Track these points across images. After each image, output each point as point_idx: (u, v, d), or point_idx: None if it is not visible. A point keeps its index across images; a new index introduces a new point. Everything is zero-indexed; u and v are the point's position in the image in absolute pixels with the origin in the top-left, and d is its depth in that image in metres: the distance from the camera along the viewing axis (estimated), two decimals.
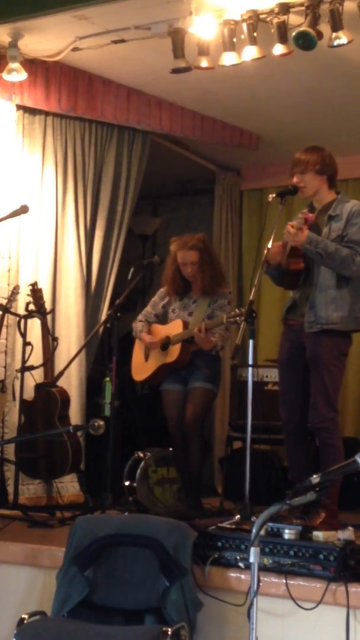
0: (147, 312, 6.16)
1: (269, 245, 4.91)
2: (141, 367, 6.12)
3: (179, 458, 5.92)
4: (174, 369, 5.92)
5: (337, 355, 4.98)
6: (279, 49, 5.44)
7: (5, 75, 6.05)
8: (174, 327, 5.92)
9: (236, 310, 5.53)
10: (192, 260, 5.87)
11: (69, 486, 6.48)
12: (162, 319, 6.12)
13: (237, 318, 5.39)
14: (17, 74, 6.03)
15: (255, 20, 5.43)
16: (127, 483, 5.96)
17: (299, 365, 5.02)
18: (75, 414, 6.48)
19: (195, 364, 5.85)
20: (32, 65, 6.26)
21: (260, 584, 3.53)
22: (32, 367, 5.99)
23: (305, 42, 5.27)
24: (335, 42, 5.30)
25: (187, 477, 5.87)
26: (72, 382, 6.58)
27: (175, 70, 5.79)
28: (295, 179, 5.05)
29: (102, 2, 5.38)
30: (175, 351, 5.86)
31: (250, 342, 4.87)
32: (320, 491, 3.40)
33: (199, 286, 5.91)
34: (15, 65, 5.99)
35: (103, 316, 6.82)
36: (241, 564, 4.11)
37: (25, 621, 3.96)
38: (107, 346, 6.81)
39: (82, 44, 5.98)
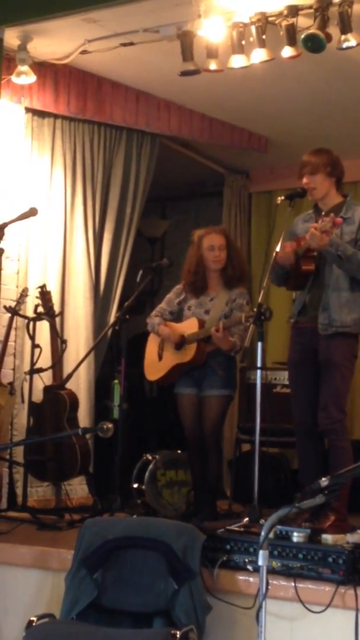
0: (162, 309, 5.98)
1: (277, 249, 4.90)
2: (155, 367, 5.97)
3: (194, 462, 5.85)
4: (188, 370, 5.77)
5: (349, 358, 5.00)
6: (287, 52, 5.44)
7: (14, 78, 6.07)
8: (190, 326, 5.76)
9: (254, 310, 5.41)
10: (220, 244, 5.72)
11: (77, 489, 6.48)
12: (177, 316, 5.95)
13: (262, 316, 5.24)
14: (26, 77, 6.05)
15: (264, 22, 5.43)
16: (135, 485, 5.97)
17: (311, 368, 5.02)
18: (83, 417, 6.49)
19: (209, 366, 5.70)
20: (41, 68, 6.28)
21: (269, 587, 3.53)
22: (40, 370, 6.00)
23: (314, 44, 5.27)
24: (344, 45, 5.31)
25: (202, 484, 5.80)
26: (80, 384, 6.58)
27: (184, 73, 5.79)
28: (305, 180, 5.04)
29: (111, 5, 5.40)
30: (190, 350, 5.70)
31: (259, 344, 4.86)
32: (329, 494, 3.40)
33: (227, 275, 5.74)
34: (24, 68, 6.00)
35: (112, 318, 6.82)
36: (250, 567, 4.10)
37: (34, 624, 3.96)
38: (116, 348, 6.81)
39: (91, 46, 6.00)
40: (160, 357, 5.93)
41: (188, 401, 5.79)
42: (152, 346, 6.03)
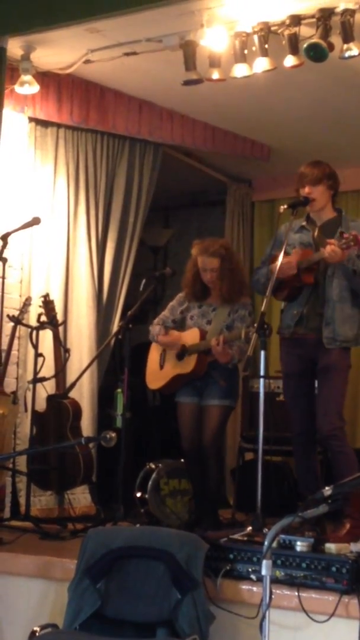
0: (165, 317, 5.98)
1: (280, 258, 4.91)
2: (156, 375, 5.98)
3: (192, 472, 5.86)
4: (189, 380, 5.78)
5: (345, 368, 5.09)
6: (290, 61, 5.45)
7: (17, 88, 6.08)
8: (191, 336, 5.77)
9: (255, 325, 5.42)
10: (212, 267, 5.71)
11: (80, 498, 6.47)
12: (180, 324, 5.95)
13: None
14: (29, 87, 6.07)
15: (267, 32, 5.45)
16: (138, 495, 5.96)
17: (309, 378, 5.10)
18: (86, 426, 6.49)
19: (211, 375, 5.70)
20: (45, 77, 6.29)
21: (273, 596, 3.53)
22: (43, 379, 6.00)
23: (317, 53, 5.28)
24: (347, 54, 5.32)
25: (203, 493, 5.79)
26: (83, 393, 6.58)
27: (187, 82, 5.81)
28: (307, 190, 5.05)
29: (114, 15, 5.41)
30: (191, 362, 5.72)
31: (262, 353, 4.87)
32: (333, 503, 3.39)
33: (218, 294, 5.78)
34: (27, 77, 6.02)
35: (115, 328, 6.82)
36: (253, 577, 4.09)
37: (37, 634, 3.95)
38: (119, 357, 6.81)
39: (94, 56, 6.01)
40: (161, 367, 5.94)
41: (188, 410, 5.79)
42: (154, 355, 6.03)
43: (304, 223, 5.20)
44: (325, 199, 5.10)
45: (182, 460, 6.02)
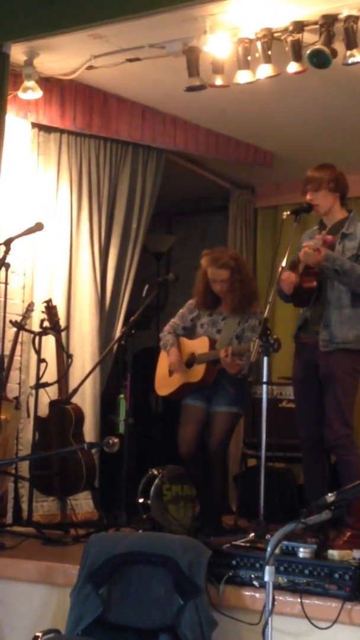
0: (175, 324, 6.02)
1: (283, 264, 4.91)
2: (165, 382, 6.01)
3: (193, 476, 5.86)
4: (197, 388, 5.80)
5: (351, 372, 4.97)
6: (293, 67, 5.46)
7: (20, 94, 6.09)
8: (200, 345, 5.80)
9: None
10: (222, 279, 5.75)
11: (83, 503, 6.47)
12: (190, 332, 5.99)
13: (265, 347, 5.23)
14: (32, 92, 6.07)
15: (270, 38, 5.45)
16: (141, 500, 5.95)
17: (314, 383, 5.01)
18: (89, 431, 6.48)
19: (220, 383, 5.73)
20: (48, 83, 6.30)
21: (275, 603, 3.52)
22: (46, 384, 5.99)
23: (320, 60, 5.29)
24: (350, 60, 5.32)
25: (206, 498, 5.79)
26: (86, 399, 6.58)
27: (190, 89, 5.81)
28: (308, 197, 5.05)
29: (117, 21, 5.42)
30: (199, 372, 5.74)
31: (265, 359, 4.86)
32: (336, 510, 3.38)
33: (229, 304, 5.80)
34: (30, 83, 6.02)
35: (117, 333, 6.82)
36: (256, 583, 4.08)
37: (39, 639, 3.95)
38: (122, 363, 6.80)
39: (97, 62, 6.01)
40: (170, 373, 5.95)
41: (193, 413, 5.81)
42: (163, 361, 6.06)
43: (315, 227, 5.19)
44: (328, 203, 5.06)
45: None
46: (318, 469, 5.07)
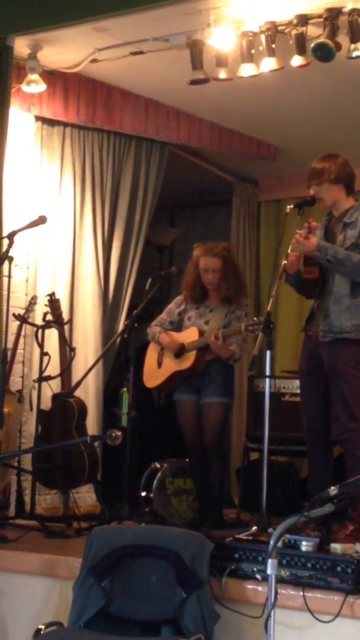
0: (162, 319, 6.05)
1: (288, 251, 4.89)
2: (153, 374, 6.02)
3: (195, 469, 5.88)
4: (187, 377, 5.83)
5: (354, 365, 4.89)
6: (297, 61, 5.46)
7: (24, 87, 6.09)
8: (189, 335, 5.84)
9: (254, 319, 5.47)
10: (214, 268, 5.78)
11: (85, 496, 6.47)
12: (177, 327, 6.03)
13: (255, 327, 5.31)
14: (36, 86, 6.08)
15: (274, 31, 5.45)
16: (143, 494, 5.96)
17: (319, 375, 4.97)
18: (92, 424, 6.49)
19: (208, 373, 5.76)
20: (51, 76, 6.30)
21: (278, 596, 3.52)
22: (49, 377, 6.00)
23: (324, 53, 5.28)
24: (354, 54, 5.32)
25: (206, 491, 5.80)
26: (89, 392, 6.59)
27: (194, 82, 5.81)
28: (312, 191, 5.03)
29: (120, 14, 5.42)
30: (189, 358, 5.77)
31: (268, 353, 4.85)
32: (338, 503, 3.38)
33: (222, 294, 5.81)
34: (34, 76, 6.03)
35: (120, 326, 6.83)
36: (258, 576, 4.09)
37: (41, 632, 3.96)
38: (124, 356, 6.81)
39: (100, 55, 6.02)
40: (159, 365, 5.98)
41: (188, 408, 5.83)
42: (151, 354, 6.07)
43: (325, 218, 5.17)
44: (333, 195, 4.99)
45: (187, 459, 6.02)
46: (321, 460, 5.04)
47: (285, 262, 4.89)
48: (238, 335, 5.65)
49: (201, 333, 5.79)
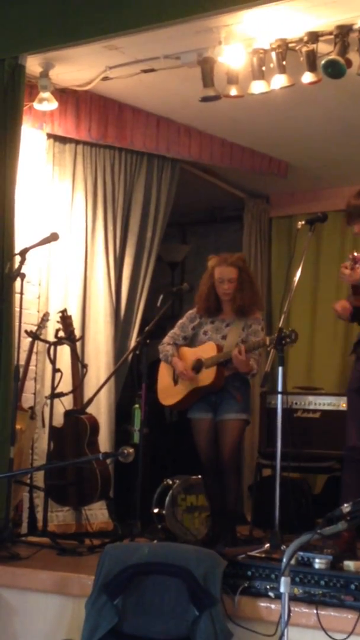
0: (175, 335, 5.97)
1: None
2: (170, 391, 5.94)
3: (210, 487, 5.84)
4: (205, 393, 5.75)
5: None
6: (308, 77, 5.47)
7: (36, 105, 6.12)
8: (207, 350, 5.75)
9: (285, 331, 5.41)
10: (230, 277, 5.72)
11: (98, 513, 6.47)
12: (190, 342, 5.94)
13: (288, 340, 5.24)
14: (48, 104, 6.11)
15: (285, 49, 5.46)
16: (156, 510, 5.94)
17: None
18: (104, 441, 6.48)
19: (226, 389, 5.68)
20: (63, 94, 6.33)
21: (291, 614, 3.51)
22: (61, 394, 6.00)
23: (335, 70, 5.29)
24: None
25: (222, 509, 5.78)
26: (101, 409, 6.58)
27: (205, 99, 5.82)
28: (356, 229, 5.05)
29: (131, 32, 5.45)
30: (210, 374, 5.68)
31: (280, 369, 4.85)
32: (352, 520, 3.37)
33: (237, 305, 5.74)
34: (46, 94, 6.06)
35: (132, 343, 6.83)
36: (271, 594, 4.07)
37: None
38: (136, 373, 6.81)
39: (112, 73, 6.04)
40: (175, 382, 5.91)
41: (204, 427, 5.75)
42: (165, 370, 6.00)
43: (353, 251, 5.23)
44: None
45: (200, 476, 6.00)
46: (354, 480, 5.04)
47: (336, 311, 4.96)
48: (255, 350, 5.61)
49: (219, 348, 5.71)
